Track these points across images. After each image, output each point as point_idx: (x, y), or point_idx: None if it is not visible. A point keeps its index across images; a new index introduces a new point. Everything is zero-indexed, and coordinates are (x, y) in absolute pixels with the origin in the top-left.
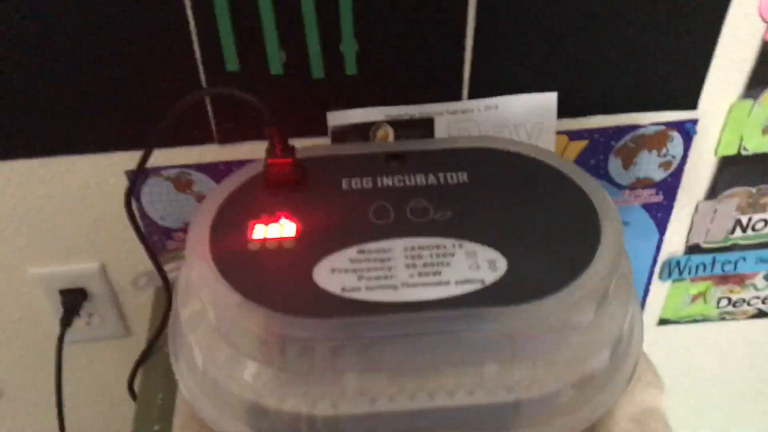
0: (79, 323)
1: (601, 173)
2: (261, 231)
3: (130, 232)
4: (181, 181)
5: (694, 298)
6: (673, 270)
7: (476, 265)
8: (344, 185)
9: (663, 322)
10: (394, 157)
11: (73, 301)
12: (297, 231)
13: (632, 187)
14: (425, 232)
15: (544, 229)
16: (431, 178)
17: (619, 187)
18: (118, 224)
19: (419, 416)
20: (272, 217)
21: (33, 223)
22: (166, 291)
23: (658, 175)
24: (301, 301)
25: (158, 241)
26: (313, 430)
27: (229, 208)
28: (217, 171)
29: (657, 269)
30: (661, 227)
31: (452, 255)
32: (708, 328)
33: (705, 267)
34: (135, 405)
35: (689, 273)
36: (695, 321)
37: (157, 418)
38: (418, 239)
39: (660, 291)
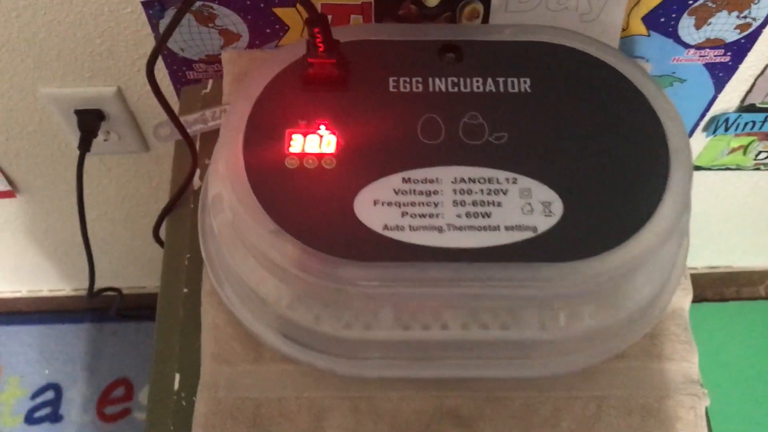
0: (96, 140)
1: (669, 31)
2: (299, 143)
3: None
4: (204, 15)
5: (733, 150)
6: (720, 126)
7: (530, 207)
8: (391, 85)
9: (694, 168)
10: (448, 49)
11: (89, 121)
12: (338, 146)
13: (699, 47)
14: (478, 159)
15: (608, 164)
16: (489, 84)
17: (686, 45)
18: (135, 52)
19: (453, 345)
20: (311, 126)
21: (43, 46)
22: (189, 146)
23: (731, 36)
24: (340, 239)
25: (177, 71)
26: (342, 348)
27: (263, 109)
28: (242, 5)
29: (703, 123)
30: (719, 86)
31: (505, 193)
32: (738, 175)
33: (755, 124)
34: (162, 261)
35: (736, 129)
36: (727, 169)
37: (185, 281)
38: (469, 169)
39: (700, 142)
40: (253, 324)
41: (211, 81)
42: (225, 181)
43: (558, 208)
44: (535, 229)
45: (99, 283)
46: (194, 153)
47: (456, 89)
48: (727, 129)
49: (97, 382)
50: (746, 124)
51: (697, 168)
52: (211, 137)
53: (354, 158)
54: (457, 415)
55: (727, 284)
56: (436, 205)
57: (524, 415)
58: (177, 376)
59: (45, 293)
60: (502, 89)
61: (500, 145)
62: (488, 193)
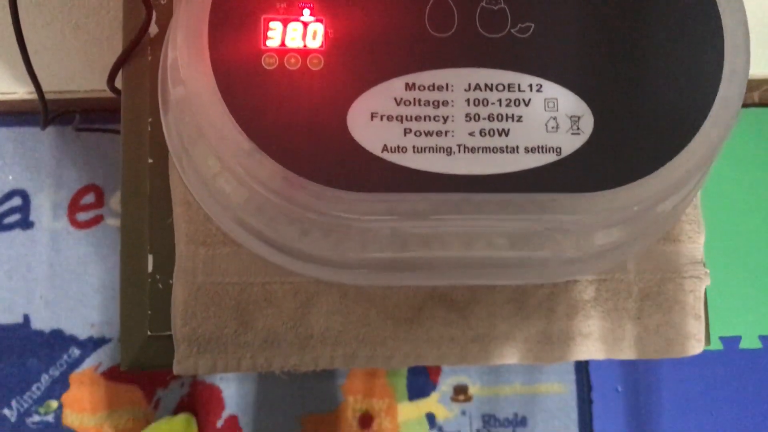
0: None
1: None
2: (277, 34)
3: None
4: None
5: None
6: None
7: (555, 123)
8: None
9: None
10: None
11: None
12: (326, 38)
13: None
14: (497, 58)
15: (648, 67)
16: None
17: None
18: None
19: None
20: (292, 9)
21: None
22: None
23: None
24: (330, 162)
25: None
26: (328, 262)
27: None
28: None
29: None
30: None
31: (527, 103)
32: None
33: None
34: (121, 124)
35: None
36: None
37: (148, 150)
38: (486, 72)
39: None
40: (222, 221)
41: None
42: (187, 82)
43: (588, 123)
44: (559, 150)
45: (53, 86)
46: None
47: None
48: None
49: (66, 188)
50: None
51: None
52: None
53: (346, 56)
54: (451, 300)
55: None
56: (445, 119)
57: (519, 299)
58: (150, 257)
59: None
60: None
61: (524, 39)
62: (507, 104)
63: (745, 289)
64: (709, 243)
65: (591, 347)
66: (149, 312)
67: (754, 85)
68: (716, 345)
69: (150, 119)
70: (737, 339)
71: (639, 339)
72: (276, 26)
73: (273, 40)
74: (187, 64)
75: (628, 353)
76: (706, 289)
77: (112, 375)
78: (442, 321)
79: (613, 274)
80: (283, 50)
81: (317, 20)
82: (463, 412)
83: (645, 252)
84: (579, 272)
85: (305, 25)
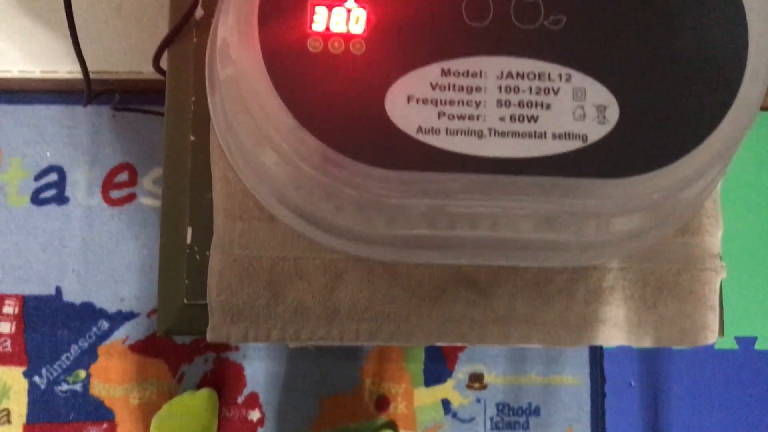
0: None
1: None
2: (323, 18)
3: None
4: None
5: None
6: None
7: (582, 112)
8: None
9: None
10: None
11: None
12: (368, 25)
13: None
14: (529, 48)
15: (673, 61)
16: None
17: None
18: None
19: (483, 241)
20: None
21: None
22: None
23: None
24: (368, 141)
25: None
26: (361, 236)
27: None
28: None
29: None
30: None
31: (556, 92)
32: None
33: None
34: (165, 103)
35: None
36: None
37: (191, 127)
38: (518, 61)
39: None
40: (261, 195)
41: None
42: (237, 62)
43: (613, 113)
44: (585, 138)
45: (94, 67)
46: None
47: None
48: None
49: (100, 166)
50: None
51: None
52: None
53: (386, 42)
54: (473, 280)
55: None
56: (477, 104)
57: (540, 282)
58: (189, 230)
59: (38, 75)
60: None
61: (556, 31)
62: (537, 93)
63: (762, 290)
64: (729, 244)
65: (607, 333)
66: (186, 281)
67: None
68: (731, 345)
69: (193, 98)
70: (753, 339)
71: (654, 327)
72: (322, 11)
73: (318, 24)
74: (237, 46)
75: (643, 341)
76: (722, 285)
77: (138, 348)
78: (464, 301)
79: (631, 263)
80: (327, 34)
81: (360, 6)
82: (478, 400)
83: (663, 243)
84: (599, 257)
85: (349, 11)
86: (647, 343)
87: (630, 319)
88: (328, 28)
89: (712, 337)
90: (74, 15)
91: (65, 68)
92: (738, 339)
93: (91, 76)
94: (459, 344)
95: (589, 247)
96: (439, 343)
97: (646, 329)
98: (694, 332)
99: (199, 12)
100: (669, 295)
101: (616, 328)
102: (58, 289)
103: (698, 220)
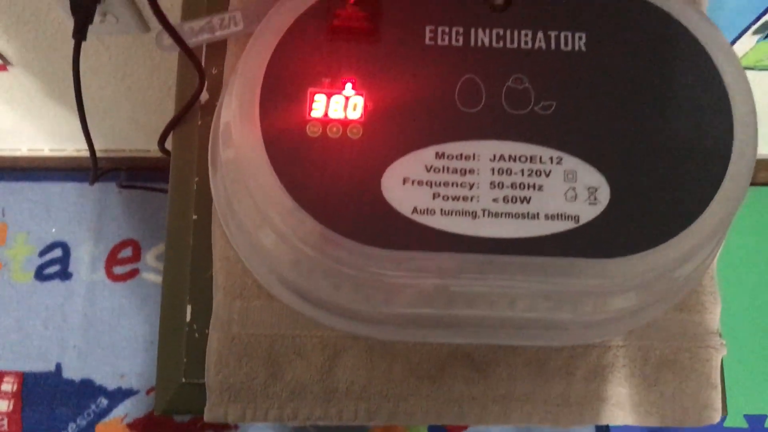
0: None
1: None
2: (321, 105)
3: None
4: None
5: None
6: None
7: (573, 193)
8: (428, 37)
9: None
10: None
11: (84, 5)
12: (365, 111)
13: None
14: (521, 132)
15: (663, 145)
16: (540, 39)
17: None
18: None
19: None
20: (335, 84)
21: None
22: (194, 63)
23: None
24: (365, 222)
25: None
26: (358, 315)
27: (282, 60)
28: None
29: (755, 26)
30: None
31: (547, 174)
32: None
33: None
34: (169, 183)
35: None
36: None
37: (193, 206)
38: (510, 144)
39: (748, 44)
40: (260, 274)
41: None
42: (239, 145)
43: (604, 194)
44: (577, 218)
45: (102, 145)
46: (200, 69)
47: (501, 44)
48: None
49: (105, 241)
50: None
51: None
52: (219, 45)
53: (383, 126)
54: (473, 359)
55: (758, 169)
56: (471, 186)
57: (539, 361)
58: (188, 308)
59: (46, 153)
60: (553, 46)
61: (547, 116)
62: (529, 175)
63: None
64: (735, 320)
65: (608, 412)
66: (185, 360)
67: None
68: (741, 423)
69: (196, 179)
70: (763, 417)
71: (656, 406)
72: (321, 98)
73: (317, 111)
74: (239, 129)
75: (645, 420)
76: (724, 363)
77: (137, 426)
78: (463, 380)
79: (630, 340)
80: (326, 120)
81: (358, 94)
82: None
83: (662, 320)
84: (598, 336)
85: (347, 98)
86: (649, 422)
87: (632, 397)
88: (326, 114)
89: (715, 417)
90: (84, 95)
91: (73, 146)
92: (748, 417)
93: (99, 154)
94: (459, 424)
95: (587, 326)
96: (439, 423)
97: (648, 408)
98: (696, 411)
99: (204, 96)
100: (670, 372)
101: (617, 407)
102: (58, 366)
103: (696, 297)
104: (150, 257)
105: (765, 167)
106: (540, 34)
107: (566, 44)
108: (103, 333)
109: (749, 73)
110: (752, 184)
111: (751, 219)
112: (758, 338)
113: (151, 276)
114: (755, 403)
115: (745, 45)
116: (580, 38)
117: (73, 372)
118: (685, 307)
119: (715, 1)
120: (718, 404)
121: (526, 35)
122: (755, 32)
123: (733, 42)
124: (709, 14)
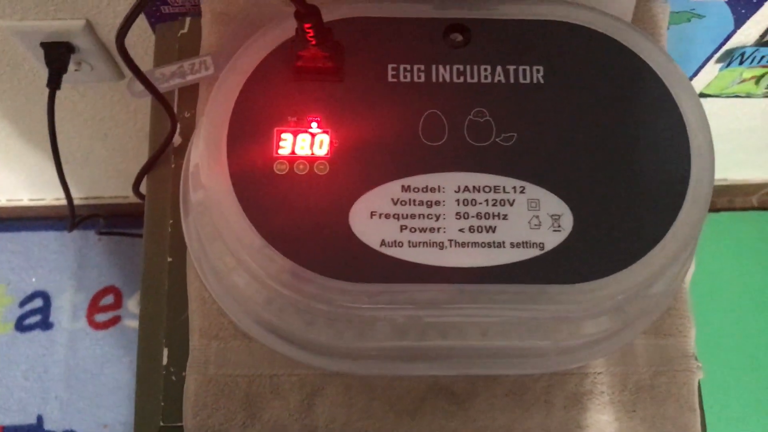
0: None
1: None
2: (288, 143)
3: None
4: None
5: (744, 81)
6: (735, 59)
7: (537, 221)
8: (390, 75)
9: (701, 95)
10: (455, 29)
11: (58, 55)
12: (331, 147)
13: None
14: (483, 164)
15: (623, 171)
16: (499, 74)
17: None
18: None
19: (452, 351)
20: (301, 123)
21: None
22: (165, 108)
23: None
24: (334, 257)
25: (151, 5)
26: (333, 351)
27: (248, 101)
28: None
29: (717, 55)
30: (740, 22)
31: (511, 204)
32: (746, 102)
33: None
34: (144, 227)
35: (751, 63)
36: (737, 96)
37: (168, 248)
38: (474, 176)
39: (711, 72)
40: (235, 314)
41: (188, 19)
42: (207, 186)
43: (568, 221)
44: (542, 246)
45: (80, 193)
46: (172, 114)
47: (462, 79)
48: (742, 62)
49: (86, 289)
50: (762, 57)
51: (705, 96)
52: (191, 88)
53: (349, 162)
54: (451, 392)
55: (720, 195)
56: (437, 217)
57: (518, 391)
58: (165, 351)
59: (25, 202)
60: (512, 80)
61: (508, 147)
62: (494, 204)
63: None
64: (721, 349)
65: None
66: (162, 404)
67: (752, 189)
68: None
69: (171, 221)
70: None
71: None
72: (287, 137)
73: (284, 149)
74: (207, 170)
75: None
76: (701, 385)
77: None
78: (443, 413)
79: (607, 366)
80: (293, 158)
81: (323, 132)
82: None
83: (638, 345)
84: (575, 361)
85: (313, 136)
86: None
87: (611, 424)
88: (293, 152)
89: None
90: (61, 143)
91: (52, 195)
92: None
93: (78, 201)
94: None
95: (563, 352)
96: None
97: None
98: None
99: (177, 140)
100: (648, 397)
101: None
102: (39, 418)
103: (670, 321)
104: (132, 304)
105: (742, 193)
106: (499, 69)
107: (525, 77)
108: (86, 382)
109: (713, 102)
110: (727, 209)
111: (729, 243)
112: (736, 361)
113: (133, 323)
114: (734, 425)
115: (709, 74)
116: (537, 71)
117: (54, 424)
118: (660, 331)
119: (677, 32)
120: (698, 427)
121: (485, 70)
122: (717, 61)
123: (696, 72)
124: (671, 45)
